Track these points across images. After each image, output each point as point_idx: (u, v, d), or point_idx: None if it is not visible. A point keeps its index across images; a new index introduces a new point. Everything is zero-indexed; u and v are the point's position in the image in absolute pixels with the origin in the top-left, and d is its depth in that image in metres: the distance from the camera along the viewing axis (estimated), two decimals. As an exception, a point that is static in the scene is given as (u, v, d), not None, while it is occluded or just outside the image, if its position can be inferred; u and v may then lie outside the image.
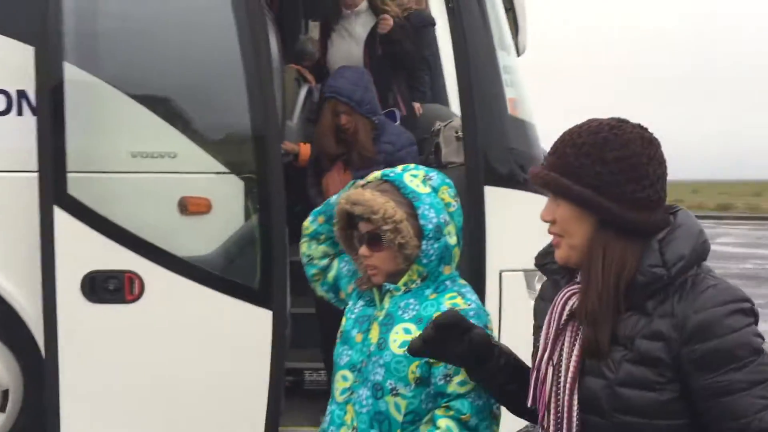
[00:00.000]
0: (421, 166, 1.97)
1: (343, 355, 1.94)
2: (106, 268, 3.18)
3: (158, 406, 3.26)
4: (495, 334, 1.81)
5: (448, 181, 1.93)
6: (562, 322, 1.54)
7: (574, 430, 1.51)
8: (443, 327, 1.62)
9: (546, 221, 1.57)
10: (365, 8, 4.36)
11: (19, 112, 3.29)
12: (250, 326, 3.22)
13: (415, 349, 1.68)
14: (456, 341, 1.63)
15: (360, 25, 4.35)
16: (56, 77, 3.14)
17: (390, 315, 1.88)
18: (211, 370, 3.23)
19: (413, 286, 1.88)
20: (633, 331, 1.46)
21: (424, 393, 1.82)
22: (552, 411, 1.53)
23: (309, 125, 4.61)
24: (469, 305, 1.85)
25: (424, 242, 1.84)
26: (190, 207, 3.28)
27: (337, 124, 3.67)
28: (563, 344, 1.53)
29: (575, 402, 1.50)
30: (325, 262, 2.13)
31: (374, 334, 1.88)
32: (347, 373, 1.91)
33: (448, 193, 1.89)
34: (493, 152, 3.39)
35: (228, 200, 3.31)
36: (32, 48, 3.18)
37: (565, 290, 1.57)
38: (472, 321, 1.72)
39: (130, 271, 3.19)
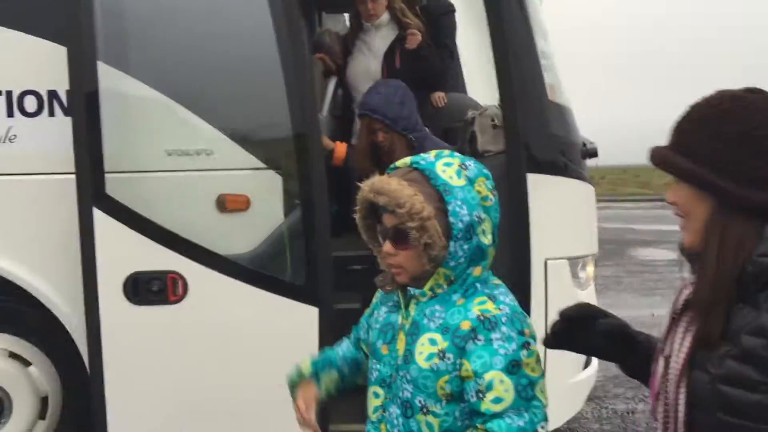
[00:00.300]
0: (457, 153, 1.75)
1: (372, 369, 1.79)
2: (148, 269, 3.13)
3: (205, 409, 3.21)
4: (540, 330, 1.69)
5: (486, 171, 1.71)
6: (677, 311, 1.46)
7: (680, 424, 1.42)
8: (569, 318, 1.56)
9: (670, 203, 1.46)
10: (386, 21, 4.28)
11: (51, 113, 3.23)
12: (296, 324, 3.17)
13: (547, 342, 1.62)
14: (587, 332, 1.56)
15: (380, 39, 4.27)
16: (90, 77, 3.08)
17: (416, 324, 1.70)
18: (258, 369, 3.18)
19: (439, 291, 1.69)
20: (741, 324, 1.34)
21: (458, 410, 1.65)
22: (661, 403, 1.46)
23: (334, 120, 4.55)
24: (501, 310, 1.64)
25: (452, 243, 1.64)
26: (228, 204, 3.23)
27: (374, 141, 3.57)
28: (675, 335, 1.45)
29: (681, 395, 1.42)
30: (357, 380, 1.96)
31: (400, 346, 1.72)
32: (378, 389, 1.76)
33: (485, 185, 1.68)
34: (534, 138, 3.34)
35: (267, 196, 3.25)
36: (64, 48, 3.13)
37: (689, 279, 1.47)
38: (504, 328, 1.60)
39: (172, 272, 3.14)
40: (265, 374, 3.18)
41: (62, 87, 3.20)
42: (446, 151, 1.76)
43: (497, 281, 1.76)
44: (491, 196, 1.69)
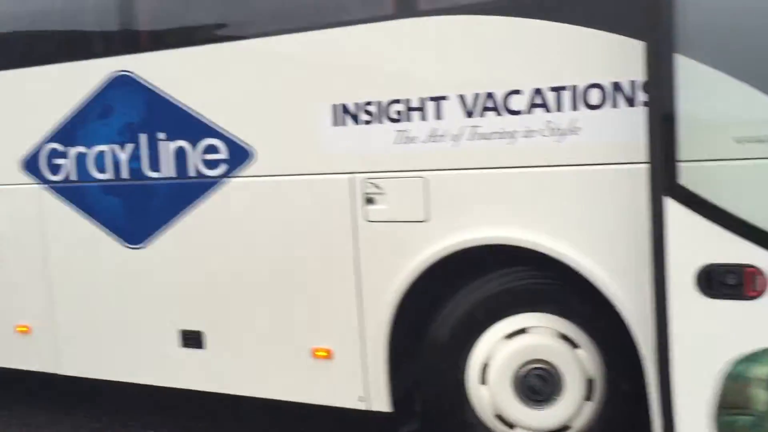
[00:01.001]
0: None
1: None
2: (723, 262, 3.03)
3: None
4: None
5: None
6: None
7: None
8: None
9: None
10: None
11: (614, 105, 3.32)
12: None
13: None
14: None
15: None
16: (667, 70, 3.06)
17: None
18: None
19: None
20: None
21: None
22: None
23: None
24: None
25: None
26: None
27: None
28: None
29: None
30: None
31: None
32: None
33: None
34: None
35: None
36: (634, 41, 3.18)
37: None
38: None
39: (749, 265, 2.99)
40: None
41: (626, 78, 3.27)
42: None
43: None
44: None
